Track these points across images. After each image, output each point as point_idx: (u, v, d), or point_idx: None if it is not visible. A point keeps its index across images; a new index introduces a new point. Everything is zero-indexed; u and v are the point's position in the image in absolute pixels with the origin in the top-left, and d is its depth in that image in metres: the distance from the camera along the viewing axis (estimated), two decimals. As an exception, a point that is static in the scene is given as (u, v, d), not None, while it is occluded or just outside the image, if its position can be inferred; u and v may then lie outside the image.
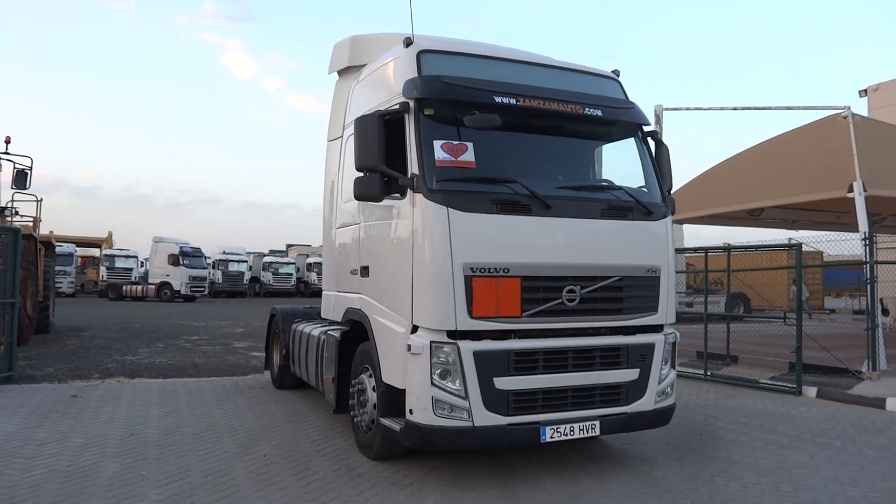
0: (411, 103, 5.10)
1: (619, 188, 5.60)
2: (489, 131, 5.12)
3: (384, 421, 5.22)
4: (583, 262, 5.20)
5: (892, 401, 8.06)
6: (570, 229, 5.20)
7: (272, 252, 53.12)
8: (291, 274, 47.17)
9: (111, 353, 12.29)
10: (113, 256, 39.79)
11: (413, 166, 5.00)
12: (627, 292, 5.36)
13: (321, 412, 7.56)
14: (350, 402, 6.01)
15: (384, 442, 5.46)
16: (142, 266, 44.55)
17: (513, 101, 5.21)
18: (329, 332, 6.79)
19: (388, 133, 5.10)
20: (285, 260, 48.08)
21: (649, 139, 5.99)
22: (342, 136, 6.74)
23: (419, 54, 5.35)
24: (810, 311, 23.55)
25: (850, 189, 9.64)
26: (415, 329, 4.93)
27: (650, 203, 5.59)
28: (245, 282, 44.81)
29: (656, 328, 5.54)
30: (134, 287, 37.21)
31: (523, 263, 4.98)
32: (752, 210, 13.04)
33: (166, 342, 14.26)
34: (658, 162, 5.93)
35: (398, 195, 5.15)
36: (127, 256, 40.61)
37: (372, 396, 5.60)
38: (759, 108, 13.15)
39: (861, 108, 22.14)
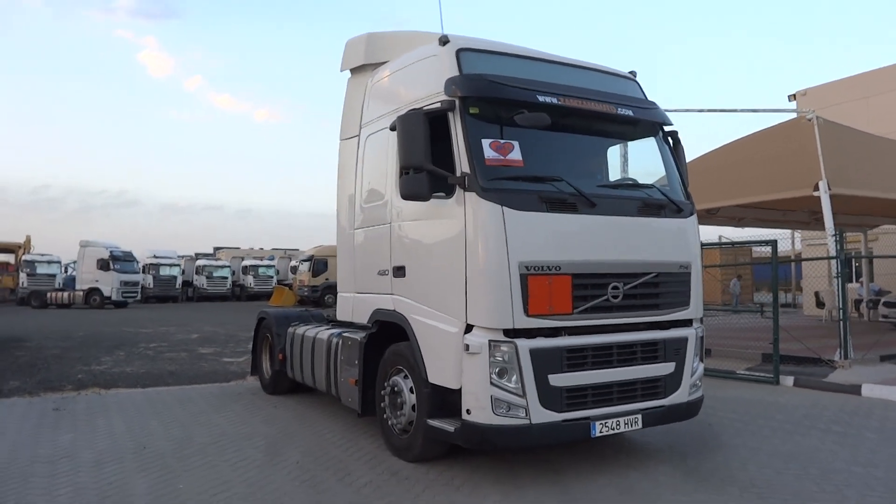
0: (456, 102, 5.07)
1: (652, 186, 5.76)
2: (528, 130, 5.17)
3: (433, 423, 5.16)
4: (625, 258, 5.31)
5: (868, 387, 8.60)
6: (613, 227, 5.30)
7: (198, 255, 51.37)
8: (226, 277, 45.67)
9: (72, 363, 11.59)
10: (34, 262, 37.41)
11: (462, 165, 4.97)
12: (663, 288, 5.52)
13: (331, 416, 7.40)
14: (381, 404, 5.92)
15: (426, 444, 5.41)
16: (65, 271, 42.22)
17: (554, 100, 5.27)
18: (345, 335, 6.66)
19: (432, 131, 5.06)
20: (220, 263, 46.54)
21: (669, 139, 6.17)
22: (359, 136, 6.62)
23: (458, 52, 5.33)
24: (737, 306, 24.75)
25: (816, 188, 10.23)
26: (469, 328, 4.91)
27: (679, 201, 5.77)
28: (177, 286, 43.14)
29: (687, 322, 5.72)
30: (60, 294, 35.13)
31: (573, 261, 5.05)
32: (711, 209, 13.63)
33: (125, 350, 13.57)
34: (677, 161, 6.13)
35: (443, 194, 5.12)
36: (50, 262, 38.29)
37: (409, 398, 5.54)
38: (725, 110, 13.76)
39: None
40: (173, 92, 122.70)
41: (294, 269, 47.72)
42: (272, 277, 46.74)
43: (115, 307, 33.63)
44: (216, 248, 58.27)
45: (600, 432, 5.06)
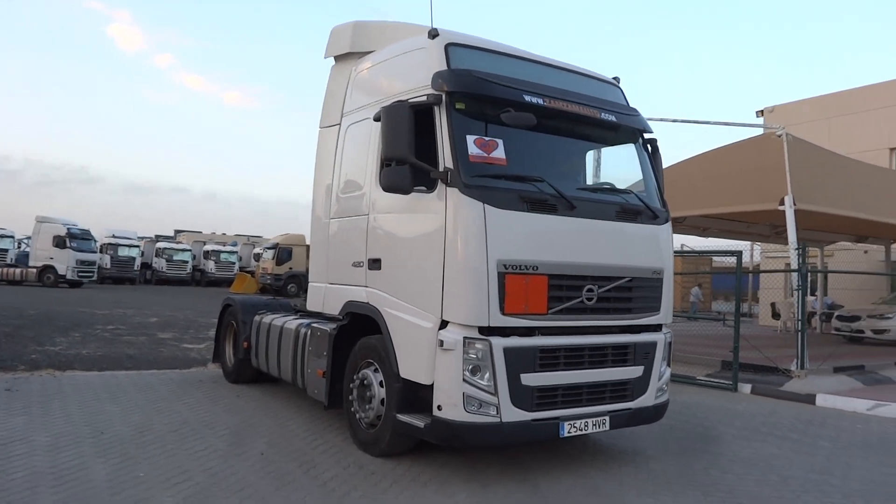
0: (443, 96, 5.04)
1: (629, 192, 5.81)
2: (511, 129, 5.17)
3: (402, 417, 5.13)
4: (601, 262, 5.35)
5: (822, 397, 8.86)
6: (590, 230, 5.33)
7: (159, 237, 50.32)
8: (187, 261, 44.87)
9: (24, 342, 11.21)
10: (-15, 236, 36.25)
11: (446, 160, 4.94)
12: (636, 293, 5.57)
13: (296, 407, 7.31)
14: (349, 397, 5.86)
15: (394, 438, 5.37)
16: (18, 247, 40.92)
17: (540, 100, 5.27)
18: (315, 326, 6.58)
19: (416, 125, 5.02)
20: (181, 246, 45.66)
21: (648, 146, 6.23)
22: (340, 124, 6.54)
23: (447, 47, 5.29)
24: (696, 313, 25.27)
25: (782, 202, 10.47)
26: (444, 324, 4.88)
27: (656, 208, 5.84)
28: (136, 268, 42.17)
29: (657, 327, 5.79)
30: (11, 270, 34.03)
31: (551, 262, 5.06)
32: (677, 217, 13.85)
33: (81, 331, 13.18)
34: (655, 169, 6.19)
35: (424, 188, 5.08)
36: (2, 236, 37.11)
37: (379, 392, 5.49)
38: (698, 121, 13.97)
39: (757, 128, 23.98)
40: (143, 68, 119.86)
41: (257, 257, 47.11)
42: (234, 264, 46.10)
43: (69, 286, 32.68)
44: (177, 231, 57.21)
45: (568, 433, 5.09)
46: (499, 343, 4.81)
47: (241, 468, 5.11)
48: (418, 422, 4.99)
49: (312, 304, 6.83)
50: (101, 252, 38.55)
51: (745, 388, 9.64)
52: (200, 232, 55.90)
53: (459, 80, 5.10)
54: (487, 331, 4.82)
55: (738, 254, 10.17)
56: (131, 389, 7.93)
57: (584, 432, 5.20)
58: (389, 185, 5.04)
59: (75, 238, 33.71)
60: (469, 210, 4.81)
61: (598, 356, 5.33)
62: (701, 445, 6.45)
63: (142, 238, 46.50)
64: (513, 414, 4.84)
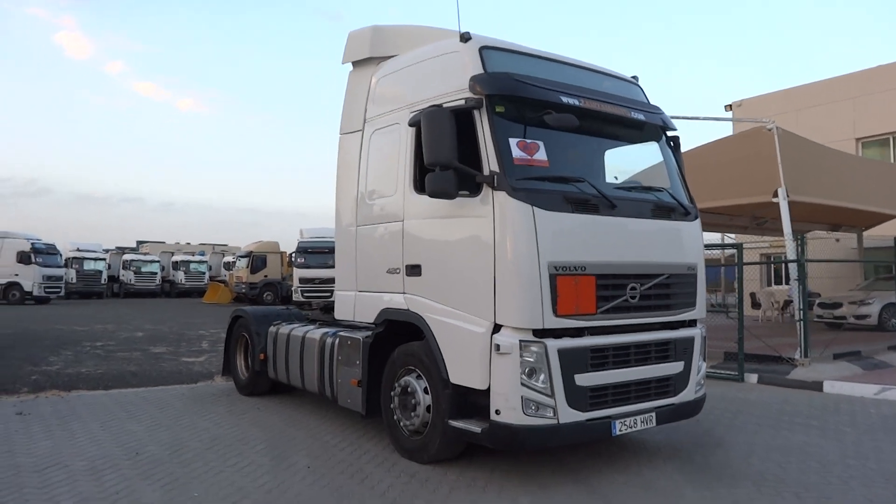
0: (483, 100, 5.04)
1: (662, 189, 5.89)
2: (547, 130, 5.21)
3: (455, 423, 5.11)
4: (642, 259, 5.42)
5: (829, 384, 9.11)
6: (630, 228, 5.40)
7: (121, 249, 49.11)
8: (156, 273, 43.87)
9: (17, 363, 10.83)
10: (-58, 253, 34.82)
11: (491, 163, 4.95)
12: (674, 289, 5.65)
13: (322, 418, 7.22)
14: (390, 405, 5.81)
15: (443, 445, 5.35)
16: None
17: (576, 101, 5.32)
18: (344, 335, 6.51)
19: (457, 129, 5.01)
20: (149, 258, 44.61)
21: (671, 143, 6.32)
22: (363, 130, 6.48)
23: (482, 49, 5.30)
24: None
25: (775, 194, 10.73)
26: (497, 328, 4.88)
27: (687, 204, 5.93)
28: (103, 282, 41.14)
29: (693, 323, 5.88)
30: (-28, 289, 32.78)
31: (597, 262, 5.11)
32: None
33: (72, 350, 12.80)
34: (679, 165, 6.29)
35: (467, 192, 5.07)
36: (-39, 254, 35.70)
37: (424, 399, 5.46)
38: (686, 117, 14.19)
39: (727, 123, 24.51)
40: (93, 76, 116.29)
41: (228, 266, 46.34)
42: (204, 274, 45.31)
43: (35, 303, 31.71)
44: (139, 242, 55.83)
45: (620, 431, 5.14)
46: (553, 345, 4.83)
47: (293, 483, 5.02)
48: (474, 427, 4.98)
49: (342, 313, 6.74)
50: (66, 266, 37.49)
51: (752, 377, 9.84)
52: (164, 242, 54.69)
53: (499, 83, 5.11)
54: (541, 333, 4.84)
55: (739, 246, 10.39)
56: (147, 407, 7.73)
57: (633, 429, 5.25)
58: (435, 191, 5.02)
59: (40, 253, 32.68)
60: (518, 213, 4.82)
61: (642, 353, 5.39)
62: (731, 436, 6.57)
63: (108, 250, 45.42)
64: (569, 415, 4.87)
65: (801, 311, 10.13)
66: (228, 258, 46.89)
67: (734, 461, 5.70)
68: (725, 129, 28.84)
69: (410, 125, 5.59)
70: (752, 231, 18.59)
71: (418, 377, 5.57)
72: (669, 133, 6.30)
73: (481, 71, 5.19)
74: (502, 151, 4.95)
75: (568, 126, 5.12)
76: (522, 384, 4.76)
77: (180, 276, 44.52)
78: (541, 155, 5.11)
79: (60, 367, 10.50)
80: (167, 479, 5.07)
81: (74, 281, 38.77)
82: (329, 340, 6.77)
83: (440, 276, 5.42)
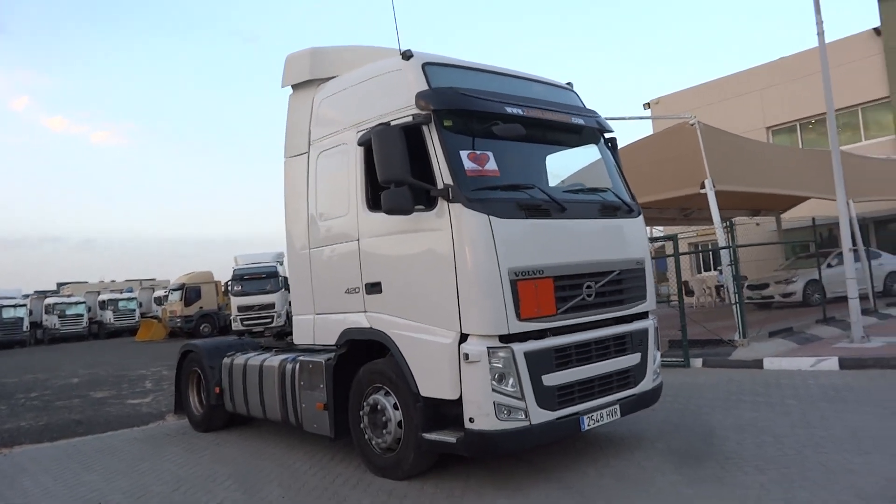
0: (431, 115, 5.13)
1: (606, 189, 6.12)
2: (493, 140, 5.35)
3: (429, 436, 5.14)
4: (595, 258, 5.60)
5: (768, 360, 9.63)
6: (581, 229, 5.59)
7: (39, 293, 46.67)
8: (82, 315, 41.82)
9: (-54, 423, 10.17)
10: None
11: (444, 177, 5.04)
12: (625, 284, 5.87)
13: (286, 446, 7.10)
14: (360, 425, 5.80)
15: (417, 458, 5.38)
16: None
17: (519, 111, 5.47)
18: (302, 360, 6.46)
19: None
20: (73, 299, 42.50)
21: (609, 144, 6.58)
22: (308, 153, 6.46)
23: (424, 66, 5.40)
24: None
25: (703, 186, 11.27)
26: (464, 338, 4.96)
27: (629, 202, 6.19)
28: (24, 329, 38.99)
29: (645, 315, 6.12)
30: None
31: (553, 264, 5.26)
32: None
33: (5, 403, 12.09)
34: (618, 165, 6.56)
35: (422, 207, 5.15)
36: None
37: (394, 415, 5.48)
38: (615, 118, 14.69)
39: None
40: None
41: (158, 301, 44.71)
42: (134, 311, 43.48)
43: (-48, 357, 29.71)
44: (60, 284, 53.26)
45: (588, 426, 5.29)
46: (520, 348, 4.94)
47: (271, 515, 4.94)
48: (449, 437, 5.02)
49: (300, 338, 6.67)
50: (-18, 316, 35.38)
51: (697, 362, 10.28)
52: (86, 282, 52.25)
53: (445, 98, 5.21)
54: (507, 338, 4.95)
55: (674, 237, 10.85)
56: (99, 455, 7.41)
57: (600, 423, 5.41)
58: (391, 208, 5.07)
59: (-46, 304, 30.77)
60: (475, 223, 4.93)
61: (602, 349, 5.56)
62: (688, 420, 6.85)
63: (27, 296, 43.09)
64: (539, 415, 4.98)
65: (737, 295, 10.65)
66: (159, 292, 45.24)
67: (694, 444, 5.96)
68: (645, 127, 30.02)
69: (359, 144, 5.63)
70: (679, 222, 19.40)
71: (386, 394, 5.58)
72: (607, 135, 6.56)
73: (426, 87, 5.28)
74: (454, 164, 5.05)
75: (514, 135, 5.27)
76: (493, 390, 4.84)
77: (108, 316, 42.53)
78: (491, 165, 5.24)
79: (-4, 423, 9.93)
80: (137, 526, 4.90)
81: (-7, 331, 36.64)
82: (289, 366, 6.69)
83: (401, 292, 5.46)
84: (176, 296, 34.28)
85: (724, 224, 10.86)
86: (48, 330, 40.56)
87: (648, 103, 26.79)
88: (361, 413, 5.78)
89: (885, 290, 17.29)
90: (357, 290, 5.82)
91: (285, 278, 30.85)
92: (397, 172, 4.99)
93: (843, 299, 14.78)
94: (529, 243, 5.17)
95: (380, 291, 5.61)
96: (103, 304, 43.04)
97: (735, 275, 10.61)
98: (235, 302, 29.44)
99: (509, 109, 5.40)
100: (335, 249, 6.10)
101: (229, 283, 30.49)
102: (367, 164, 5.68)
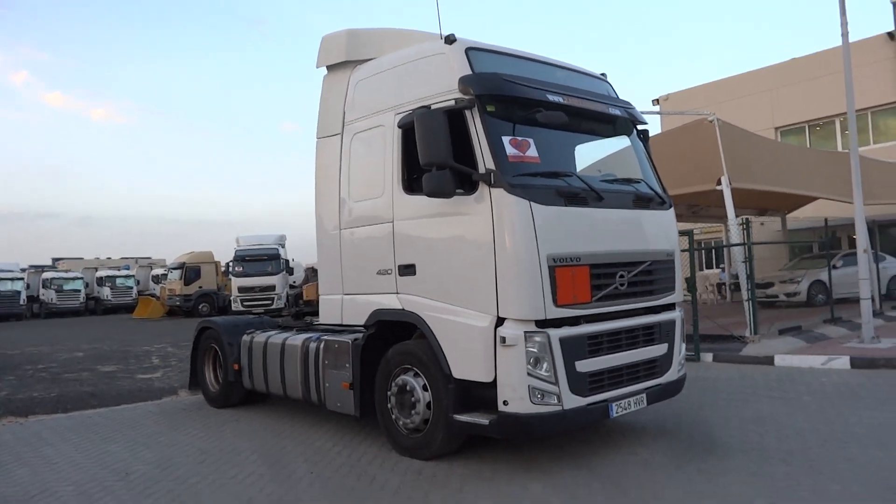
0: (475, 99, 5.14)
1: (640, 180, 6.15)
2: (533, 127, 5.37)
3: (461, 417, 5.19)
4: (629, 248, 5.65)
5: (779, 357, 9.71)
6: (617, 219, 5.63)
7: (36, 267, 46.45)
8: (79, 290, 41.66)
9: (-44, 391, 10.18)
10: None
11: (486, 162, 5.06)
12: (656, 275, 5.91)
13: (306, 423, 7.14)
14: (387, 405, 5.84)
15: (446, 440, 5.43)
16: None
17: (560, 99, 5.49)
18: (329, 339, 6.48)
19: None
20: (72, 275, 42.34)
21: (641, 136, 6.61)
22: (342, 133, 6.46)
23: (468, 51, 5.40)
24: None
25: (719, 182, 11.31)
26: (500, 322, 4.99)
27: (662, 193, 6.22)
28: (22, 302, 38.86)
29: (672, 306, 6.17)
30: None
31: (590, 252, 5.29)
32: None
33: (14, 374, 12.10)
34: (650, 157, 6.59)
35: (462, 191, 5.17)
36: None
37: (423, 396, 5.52)
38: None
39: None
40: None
41: (156, 279, 44.67)
42: (132, 288, 43.37)
43: (-51, 329, 29.66)
44: (55, 260, 52.99)
45: (617, 413, 5.35)
46: (555, 334, 4.98)
47: (302, 490, 4.99)
48: (482, 420, 5.07)
49: (327, 317, 6.70)
50: (-20, 288, 35.26)
51: (707, 357, 10.36)
52: (82, 258, 52.01)
53: (489, 84, 5.22)
54: (543, 323, 4.99)
55: (690, 233, 10.89)
56: (118, 427, 7.44)
57: (628, 411, 5.47)
58: (432, 191, 5.08)
59: (-45, 275, 30.64)
60: (517, 209, 4.95)
61: (632, 338, 5.62)
62: (707, 413, 6.91)
63: (25, 269, 42.91)
64: (572, 401, 5.03)
65: (750, 291, 10.72)
66: (157, 271, 45.17)
67: (717, 435, 6.03)
68: (654, 123, 30.08)
69: (400, 127, 5.63)
70: (686, 219, 19.44)
71: (416, 375, 5.62)
72: (640, 127, 6.58)
73: (469, 72, 5.29)
74: (497, 149, 5.07)
75: (556, 123, 5.29)
76: (528, 374, 4.89)
77: (106, 293, 42.45)
78: (532, 152, 5.26)
79: (9, 393, 9.92)
80: (168, 497, 4.94)
81: (-10, 303, 36.53)
82: (313, 345, 6.72)
83: (437, 275, 5.48)
84: (175, 274, 34.27)
85: (740, 221, 10.89)
86: (45, 304, 40.43)
87: (657, 99, 26.78)
88: (389, 393, 5.82)
89: (888, 293, 17.42)
90: (389, 271, 5.85)
91: (287, 260, 30.93)
92: (440, 156, 5.00)
93: (847, 300, 14.98)
94: (567, 231, 5.20)
95: (413, 273, 5.64)
96: (101, 281, 42.94)
97: (749, 273, 10.66)
98: (236, 282, 29.47)
99: (551, 97, 5.42)
100: (367, 231, 6.12)
101: (230, 263, 30.47)
102: (404, 147, 5.70)
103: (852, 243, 22.15)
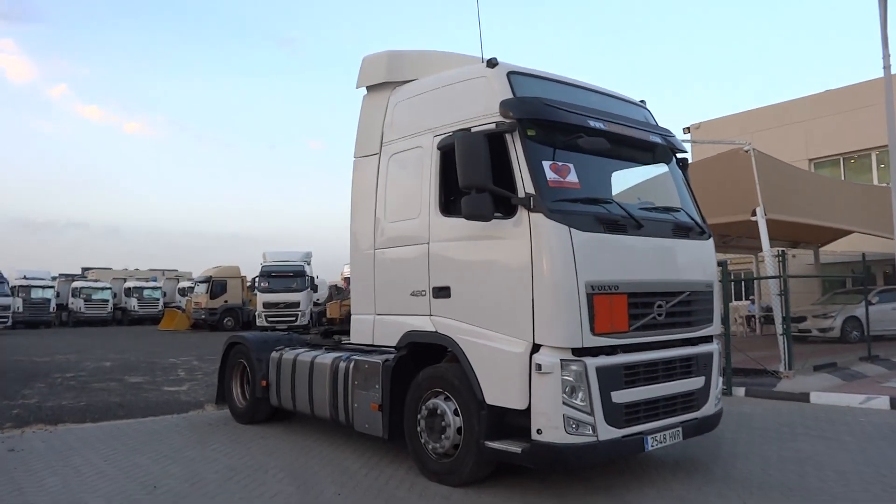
0: (516, 123, 5.13)
1: (679, 209, 6.07)
2: (572, 153, 5.34)
3: (493, 445, 5.10)
4: (667, 278, 5.56)
5: (815, 395, 9.44)
6: (656, 247, 5.55)
7: (66, 276, 47.27)
8: (107, 300, 42.45)
9: (-12, 397, 10.32)
10: None
11: (526, 186, 5.03)
12: (695, 306, 5.80)
13: (332, 444, 7.09)
14: (416, 429, 5.77)
15: (476, 466, 5.34)
16: None
17: (601, 125, 5.46)
18: (359, 359, 6.44)
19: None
20: (100, 284, 43.13)
21: (680, 164, 6.53)
22: (379, 153, 6.49)
23: (509, 75, 5.41)
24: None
25: (754, 213, 11.14)
26: (536, 348, 4.92)
27: (702, 223, 6.13)
28: (51, 310, 39.59)
29: (710, 339, 6.04)
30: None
31: (628, 281, 5.22)
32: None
33: (44, 382, 12.27)
34: (689, 186, 6.51)
35: (501, 214, 5.13)
36: None
37: (454, 421, 5.45)
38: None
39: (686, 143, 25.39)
40: (35, 100, 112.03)
41: (182, 292, 45.22)
42: (158, 300, 44.02)
43: (-20, 334, 30.24)
44: (84, 269, 53.92)
45: (652, 446, 5.22)
46: (592, 363, 4.89)
47: (330, 511, 4.93)
48: (514, 448, 4.98)
49: (358, 337, 6.67)
50: (11, 295, 35.95)
51: (739, 391, 10.12)
52: (111, 268, 52.90)
53: (531, 108, 5.22)
54: (579, 352, 4.90)
55: (724, 263, 10.71)
56: (145, 438, 7.46)
57: (663, 444, 5.34)
58: (471, 213, 5.06)
59: (-13, 282, 31.33)
60: (557, 234, 4.90)
61: (669, 370, 5.50)
62: (742, 448, 6.73)
63: (55, 278, 43.76)
64: (607, 432, 4.92)
65: (785, 325, 10.48)
66: (184, 283, 45.73)
67: (754, 473, 5.84)
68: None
69: (439, 148, 5.64)
70: (718, 249, 19.22)
71: (447, 399, 5.55)
72: (679, 155, 6.52)
73: (510, 95, 5.29)
74: (537, 174, 5.04)
75: (597, 149, 5.25)
76: (564, 403, 4.79)
77: (133, 303, 43.13)
78: (572, 177, 5.22)
79: (39, 401, 10.04)
80: (198, 512, 4.91)
81: (21, 310, 37.28)
82: (342, 365, 6.69)
83: (471, 298, 5.43)
84: (202, 288, 34.65)
85: (776, 253, 10.70)
86: (73, 313, 41.21)
87: (689, 128, 26.61)
88: (419, 417, 5.75)
89: (923, 332, 16.93)
90: (423, 293, 5.82)
91: (312, 278, 31.10)
92: (480, 179, 4.99)
93: (883, 338, 14.60)
94: (606, 258, 5.14)
95: (448, 296, 5.60)
96: (128, 292, 43.67)
97: (785, 306, 10.44)
98: (261, 298, 29.67)
99: (592, 123, 5.39)
100: (402, 251, 6.10)
101: (256, 278, 30.73)
102: (443, 169, 5.69)
103: (888, 279, 21.75)
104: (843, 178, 23.20)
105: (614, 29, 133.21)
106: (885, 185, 18.53)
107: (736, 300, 24.93)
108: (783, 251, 10.86)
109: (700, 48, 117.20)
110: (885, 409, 8.76)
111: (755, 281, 22.04)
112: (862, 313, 14.69)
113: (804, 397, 9.47)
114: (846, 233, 17.16)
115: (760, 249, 21.19)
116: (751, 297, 23.65)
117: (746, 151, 11.29)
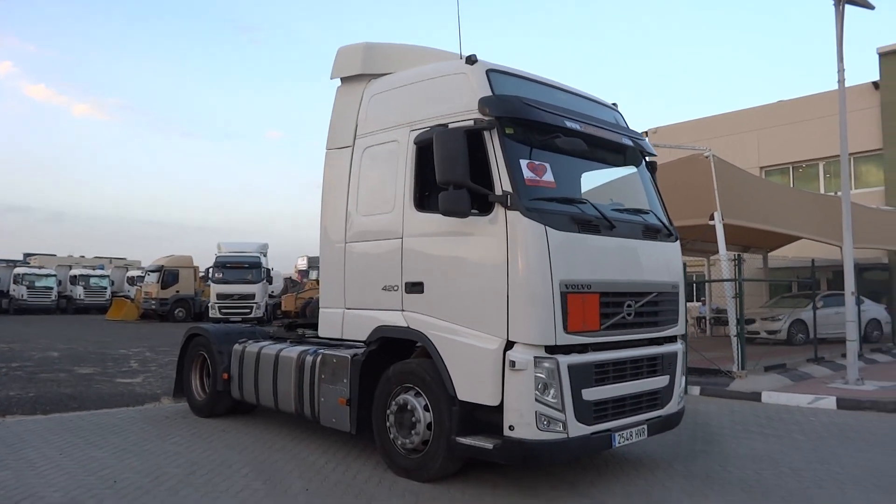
0: (494, 121, 5.15)
1: (648, 211, 6.19)
2: (546, 152, 5.40)
3: (464, 440, 5.12)
4: (636, 278, 5.67)
5: (766, 394, 9.78)
6: (627, 248, 5.65)
7: (5, 262, 45.34)
8: (52, 288, 40.84)
9: (-72, 387, 9.85)
10: None
11: (503, 184, 5.05)
12: (661, 306, 5.93)
13: (295, 438, 7.02)
14: (385, 424, 5.75)
15: (445, 462, 5.35)
16: None
17: (578, 126, 5.52)
18: (327, 353, 6.38)
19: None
20: (45, 272, 41.50)
21: (650, 167, 6.67)
22: (352, 146, 6.43)
23: (488, 72, 5.43)
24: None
25: (712, 217, 11.44)
26: (510, 345, 4.96)
27: (670, 226, 6.27)
28: (-9, 298, 37.97)
29: (674, 339, 6.19)
30: None
31: (601, 280, 5.30)
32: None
33: (-14, 372, 11.78)
34: (657, 189, 6.64)
35: (477, 211, 5.15)
36: None
37: (424, 416, 5.45)
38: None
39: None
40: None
41: (131, 280, 43.99)
42: (106, 289, 42.60)
43: (-85, 322, 28.82)
44: (27, 255, 51.88)
45: (619, 443, 5.32)
46: (564, 360, 4.95)
47: (300, 507, 4.88)
48: (485, 444, 5.00)
49: (326, 331, 6.60)
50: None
51: (694, 390, 10.39)
52: (55, 255, 51.05)
53: (510, 106, 5.24)
54: (552, 349, 4.96)
55: (683, 266, 10.96)
56: (101, 432, 7.24)
57: (630, 441, 5.44)
58: (449, 210, 5.06)
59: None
60: (532, 232, 4.94)
61: (636, 368, 5.61)
62: (701, 446, 6.91)
63: (-5, 264, 42.01)
64: (577, 429, 5.00)
65: (739, 327, 10.81)
66: (133, 272, 44.47)
67: (714, 469, 6.02)
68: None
69: (416, 143, 5.62)
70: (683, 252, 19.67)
71: (417, 395, 5.55)
72: (648, 158, 6.65)
73: (489, 93, 5.30)
74: (514, 172, 5.07)
75: (574, 149, 5.32)
76: (536, 399, 4.84)
77: (79, 292, 41.61)
78: (548, 176, 5.27)
79: (-17, 391, 9.64)
80: (162, 508, 4.80)
81: (-42, 297, 35.64)
82: (309, 359, 6.60)
83: (445, 294, 5.44)
84: (153, 277, 33.74)
85: (732, 257, 11.01)
86: (15, 300, 39.51)
87: (646, 132, 27.12)
88: (388, 412, 5.73)
89: (865, 336, 17.66)
90: (396, 288, 5.79)
91: (268, 270, 30.65)
92: (458, 175, 4.99)
93: (827, 340, 15.17)
94: (580, 257, 5.21)
95: (421, 291, 5.59)
96: (74, 280, 42.12)
97: (740, 307, 10.76)
98: (215, 289, 29.12)
99: (569, 124, 5.45)
100: (374, 246, 6.06)
101: (210, 269, 30.11)
102: (418, 164, 5.68)
103: (831, 284, 22.60)
104: (791, 185, 24.02)
105: (573, 29, 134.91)
106: (832, 194, 19.28)
107: (688, 302, 25.63)
108: (740, 255, 11.18)
109: (662, 53, 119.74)
110: (833, 409, 9.12)
111: (706, 283, 22.70)
112: (808, 316, 15.25)
113: (756, 397, 9.80)
114: (795, 239, 17.76)
115: (713, 253, 21.82)
116: (702, 299, 24.30)
117: (706, 157, 11.57)
